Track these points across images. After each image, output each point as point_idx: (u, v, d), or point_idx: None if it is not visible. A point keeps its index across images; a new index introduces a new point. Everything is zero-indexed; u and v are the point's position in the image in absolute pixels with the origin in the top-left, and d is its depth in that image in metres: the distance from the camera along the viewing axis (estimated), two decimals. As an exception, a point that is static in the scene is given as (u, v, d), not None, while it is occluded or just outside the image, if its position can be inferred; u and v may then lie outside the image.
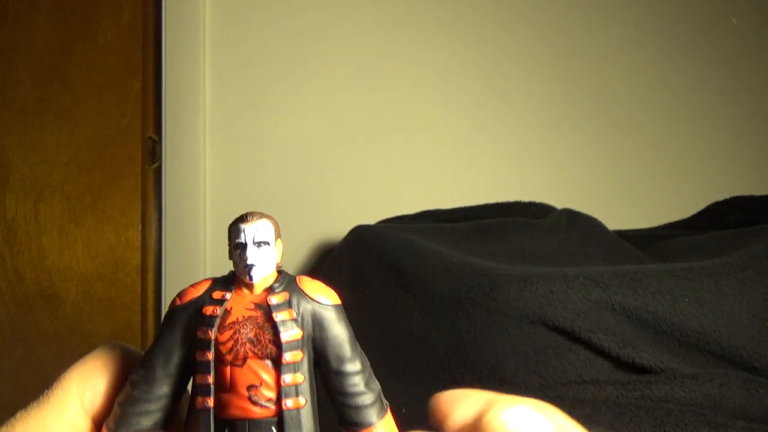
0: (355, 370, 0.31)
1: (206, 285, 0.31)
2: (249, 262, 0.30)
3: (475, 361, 0.62)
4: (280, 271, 0.31)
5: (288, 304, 0.30)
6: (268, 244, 0.30)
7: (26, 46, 1.13)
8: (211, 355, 0.29)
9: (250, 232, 0.30)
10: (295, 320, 0.30)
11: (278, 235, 0.31)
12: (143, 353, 0.32)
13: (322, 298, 0.31)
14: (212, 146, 1.16)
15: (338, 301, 0.31)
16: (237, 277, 0.31)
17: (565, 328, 0.60)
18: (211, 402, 0.29)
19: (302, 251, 1.16)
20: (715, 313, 0.60)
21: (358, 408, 0.31)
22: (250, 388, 0.29)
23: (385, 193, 1.18)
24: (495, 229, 0.89)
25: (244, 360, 0.29)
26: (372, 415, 0.31)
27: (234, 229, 0.30)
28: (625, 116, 1.26)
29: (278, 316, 0.30)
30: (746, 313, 0.60)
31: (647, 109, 1.27)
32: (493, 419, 0.27)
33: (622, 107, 1.26)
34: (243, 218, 0.31)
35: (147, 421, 0.30)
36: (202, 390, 0.29)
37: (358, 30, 1.20)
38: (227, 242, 0.31)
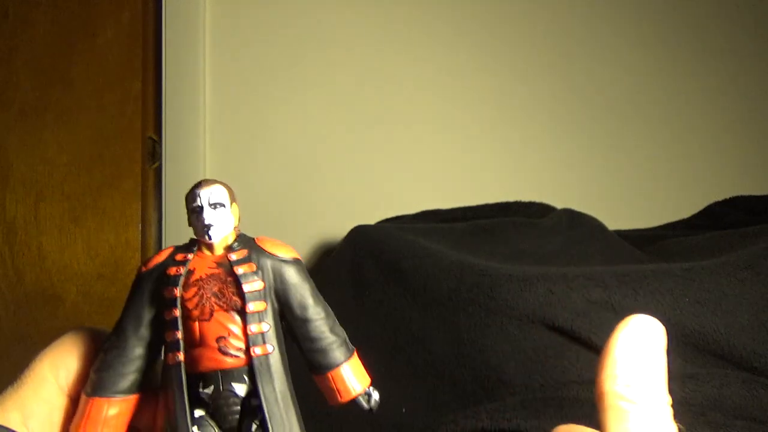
0: (318, 316, 0.32)
1: (169, 251, 0.32)
2: (206, 222, 0.31)
3: (475, 361, 0.62)
4: (238, 234, 0.33)
5: (248, 259, 0.32)
6: (224, 206, 0.32)
7: (26, 46, 1.13)
8: (177, 312, 0.30)
9: (205, 195, 0.31)
10: (255, 273, 0.31)
11: (233, 200, 0.32)
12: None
13: (281, 253, 0.32)
14: (212, 146, 1.16)
15: (297, 256, 0.33)
16: (198, 242, 0.32)
17: (565, 328, 0.60)
18: (181, 356, 0.30)
19: (302, 251, 1.16)
20: (715, 313, 0.60)
21: (325, 351, 0.32)
22: (219, 339, 0.30)
23: (385, 193, 1.18)
24: (495, 229, 0.89)
25: (211, 314, 0.30)
26: (338, 356, 0.32)
27: (190, 195, 0.32)
28: (625, 116, 1.26)
29: (239, 270, 0.31)
30: (746, 313, 0.60)
31: (647, 109, 1.27)
32: None
33: (623, 107, 1.26)
34: (198, 185, 0.32)
35: (123, 384, 0.31)
36: (172, 346, 0.30)
37: (358, 31, 1.20)
38: (186, 211, 0.32)
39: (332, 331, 0.33)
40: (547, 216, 0.95)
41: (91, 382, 0.31)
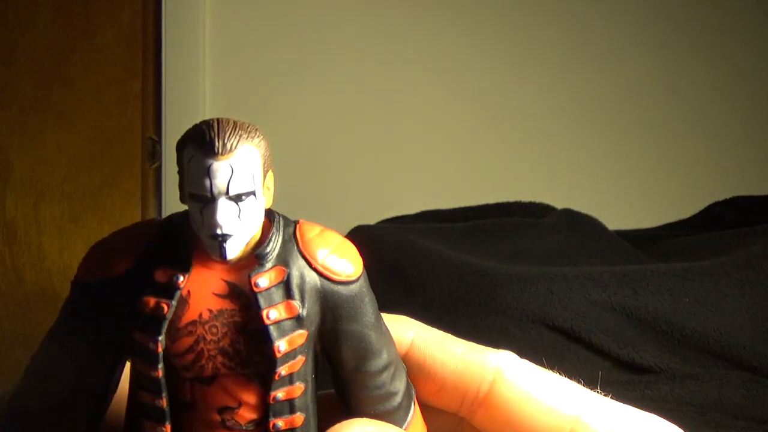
0: (380, 366, 0.20)
1: (137, 245, 0.18)
2: (220, 231, 0.17)
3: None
4: (270, 215, 0.20)
5: (286, 290, 0.18)
6: (253, 193, 0.18)
7: (26, 46, 1.13)
8: (160, 372, 0.18)
9: (222, 174, 0.17)
10: (297, 318, 0.18)
11: (270, 165, 0.19)
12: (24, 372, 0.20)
13: (341, 266, 0.20)
14: (212, 146, 1.16)
15: (360, 269, 0.21)
16: (194, 237, 0.18)
17: (565, 328, 0.60)
18: (167, 430, 0.18)
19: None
20: (715, 313, 0.60)
21: (379, 415, 0.21)
22: (223, 410, 0.19)
23: (385, 193, 1.18)
24: (495, 229, 0.89)
25: (214, 377, 0.18)
26: (398, 420, 0.21)
27: (192, 162, 0.17)
28: (625, 116, 1.26)
29: (271, 314, 0.18)
30: (746, 313, 0.60)
31: (647, 110, 1.27)
32: None
33: (622, 107, 1.26)
34: (209, 144, 0.17)
35: None
36: (151, 414, 0.18)
37: (358, 31, 1.20)
38: (178, 171, 0.18)
39: (393, 383, 0.21)
40: (547, 216, 0.95)
41: None
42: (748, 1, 1.31)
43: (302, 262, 0.19)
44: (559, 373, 0.27)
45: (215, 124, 0.17)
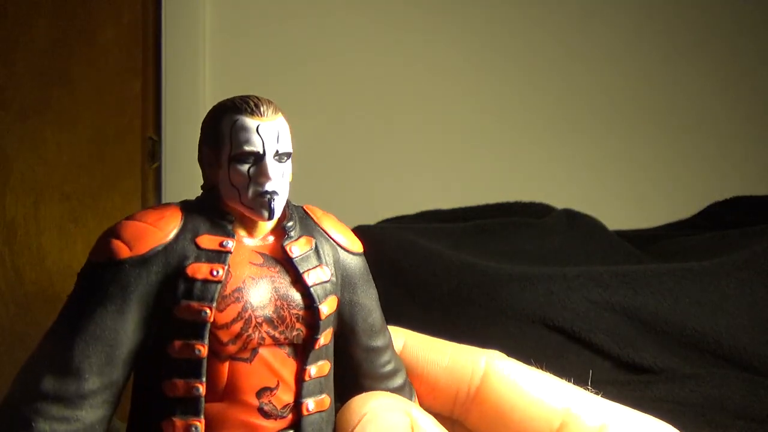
0: (385, 343, 0.22)
1: (175, 220, 0.18)
2: (270, 187, 0.18)
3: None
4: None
5: (317, 256, 0.19)
6: (290, 156, 0.20)
7: (26, 46, 1.13)
8: (205, 350, 0.17)
9: (270, 134, 0.18)
10: (331, 282, 0.19)
11: None
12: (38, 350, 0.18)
13: (348, 242, 0.21)
14: (212, 146, 1.16)
15: (362, 247, 0.22)
16: (224, 208, 0.18)
17: (565, 328, 0.60)
18: (201, 426, 0.17)
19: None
20: (715, 313, 0.60)
21: (391, 391, 0.22)
22: (262, 392, 0.18)
23: (385, 193, 1.18)
24: (495, 229, 0.89)
25: (255, 351, 0.18)
26: (406, 396, 0.22)
27: (238, 127, 0.18)
28: (626, 116, 1.26)
29: (311, 277, 0.18)
30: (746, 313, 0.60)
31: (647, 109, 1.27)
32: (346, 412, 0.21)
33: (623, 107, 1.26)
34: (250, 108, 0.18)
35: None
36: (181, 406, 0.17)
37: (358, 31, 1.20)
38: (204, 145, 0.19)
39: (396, 361, 0.22)
40: (547, 216, 0.95)
41: None
42: (748, 1, 1.31)
43: (322, 234, 0.20)
44: (557, 373, 0.27)
45: (253, 97, 0.19)
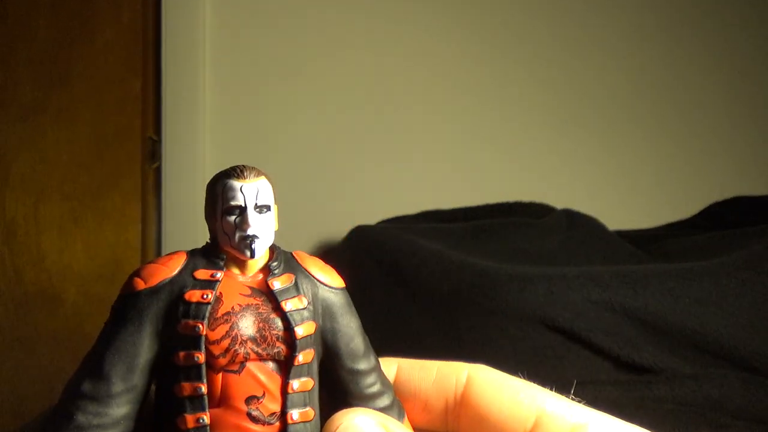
0: (369, 367, 0.25)
1: (180, 260, 0.23)
2: (251, 232, 0.23)
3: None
4: (272, 246, 0.25)
5: (296, 289, 0.24)
6: (269, 208, 0.24)
7: (26, 46, 1.13)
8: (202, 357, 0.21)
9: (250, 192, 0.23)
10: (307, 309, 0.23)
11: (275, 200, 0.25)
12: (66, 391, 0.23)
13: (329, 279, 0.25)
14: (212, 146, 1.16)
15: (343, 284, 0.26)
16: (221, 251, 0.24)
17: (565, 328, 0.60)
18: (207, 418, 0.21)
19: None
20: (715, 313, 0.60)
21: (376, 411, 0.25)
22: (250, 400, 0.22)
23: (385, 193, 1.18)
24: (495, 229, 0.89)
25: (243, 364, 0.22)
26: (393, 417, 0.25)
27: (226, 188, 0.24)
28: (626, 116, 1.26)
29: (288, 305, 0.23)
30: (746, 313, 0.60)
31: (647, 109, 1.27)
32: (327, 425, 0.23)
33: (623, 107, 1.26)
34: (236, 173, 0.24)
35: None
36: (191, 404, 0.21)
37: (358, 30, 1.20)
38: (206, 204, 0.25)
39: (383, 383, 0.25)
40: (547, 216, 0.95)
41: None
42: (748, 1, 1.31)
43: (304, 273, 0.24)
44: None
45: (240, 166, 0.24)
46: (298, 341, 0.23)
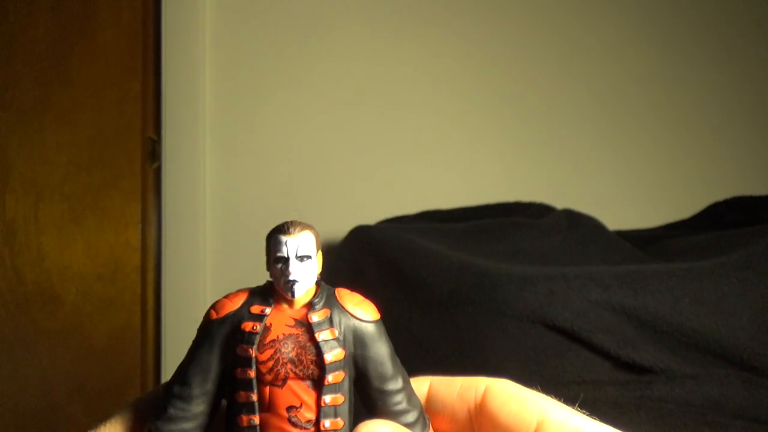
0: (397, 387, 0.30)
1: (243, 297, 0.30)
2: (291, 277, 0.28)
3: (475, 361, 0.62)
4: (318, 284, 0.30)
5: (329, 322, 0.29)
6: (310, 257, 0.29)
7: (26, 46, 1.13)
8: (253, 373, 0.28)
9: (292, 245, 0.29)
10: (337, 339, 0.29)
11: (319, 247, 0.30)
12: (164, 385, 0.30)
13: (362, 313, 0.30)
14: (212, 146, 1.16)
15: (378, 316, 0.31)
16: (275, 290, 0.30)
17: (565, 328, 0.60)
18: (257, 420, 0.28)
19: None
20: (715, 313, 0.60)
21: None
22: (290, 409, 0.28)
23: (385, 193, 1.18)
24: (495, 229, 0.89)
25: (285, 380, 0.28)
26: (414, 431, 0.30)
27: (275, 241, 0.29)
28: (626, 116, 1.26)
29: (320, 336, 0.29)
30: (746, 313, 0.60)
31: (647, 109, 1.27)
32: None
33: (623, 107, 1.26)
34: (284, 229, 0.29)
35: None
36: (245, 408, 0.29)
37: (358, 31, 1.20)
38: (265, 253, 0.30)
39: (410, 402, 0.31)
40: (547, 216, 0.95)
41: None
42: (748, 1, 1.31)
43: (339, 308, 0.30)
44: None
45: (289, 222, 0.29)
46: (327, 365, 0.28)
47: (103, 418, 0.31)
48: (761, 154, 1.29)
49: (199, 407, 0.29)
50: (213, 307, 0.30)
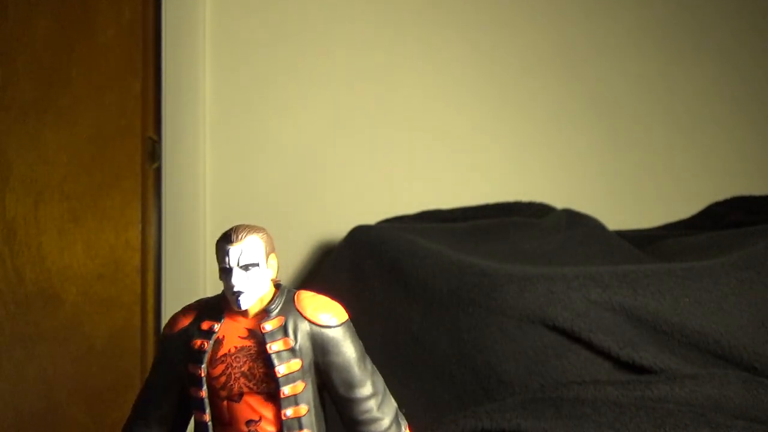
0: (366, 394, 0.29)
1: (195, 311, 0.29)
2: (236, 289, 0.27)
3: (475, 361, 0.62)
4: (278, 286, 0.29)
5: (283, 331, 0.27)
6: (258, 265, 0.27)
7: (26, 46, 1.13)
8: (204, 393, 0.27)
9: (234, 254, 0.27)
10: (292, 350, 0.27)
11: (271, 250, 0.28)
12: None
13: (325, 317, 0.28)
14: (212, 146, 1.16)
15: (343, 318, 0.29)
16: (226, 300, 0.28)
17: (565, 328, 0.60)
18: None
19: (302, 252, 1.16)
20: (715, 313, 0.60)
21: None
22: (249, 423, 0.27)
23: (385, 193, 1.18)
24: (495, 229, 0.89)
25: (240, 395, 0.27)
26: None
27: (219, 250, 0.28)
28: (626, 116, 1.26)
29: (272, 347, 0.27)
30: (746, 313, 0.60)
31: (648, 109, 1.27)
32: None
33: (623, 107, 1.26)
34: (228, 237, 0.28)
35: None
36: (200, 427, 0.28)
37: (358, 30, 1.20)
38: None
39: (381, 409, 0.29)
40: (547, 216, 0.95)
41: None
42: (748, 1, 1.31)
43: (297, 314, 0.28)
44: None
45: (231, 229, 0.27)
46: (279, 378, 0.27)
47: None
48: (761, 154, 1.29)
49: (160, 428, 0.29)
50: (168, 322, 0.29)
